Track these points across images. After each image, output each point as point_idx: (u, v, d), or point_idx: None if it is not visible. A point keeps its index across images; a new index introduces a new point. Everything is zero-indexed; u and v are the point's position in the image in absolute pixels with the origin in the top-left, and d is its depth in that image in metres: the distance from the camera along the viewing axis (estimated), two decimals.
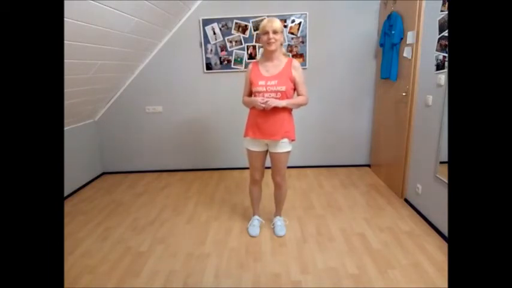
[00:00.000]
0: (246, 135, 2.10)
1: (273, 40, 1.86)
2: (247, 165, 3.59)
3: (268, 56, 1.96)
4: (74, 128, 3.18)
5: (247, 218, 2.48)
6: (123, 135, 3.61)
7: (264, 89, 1.93)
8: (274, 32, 1.85)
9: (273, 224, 2.32)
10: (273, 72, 1.95)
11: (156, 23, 2.84)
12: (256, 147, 2.09)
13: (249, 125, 2.07)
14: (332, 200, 2.78)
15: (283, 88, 1.91)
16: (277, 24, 1.86)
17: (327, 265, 1.91)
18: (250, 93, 2.05)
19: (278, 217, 2.35)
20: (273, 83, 1.92)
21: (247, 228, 2.32)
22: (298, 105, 2.01)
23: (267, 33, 1.86)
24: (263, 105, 1.87)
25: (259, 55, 3.24)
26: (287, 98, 1.95)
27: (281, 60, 1.97)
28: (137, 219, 2.57)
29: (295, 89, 2.01)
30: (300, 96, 2.02)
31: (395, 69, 2.70)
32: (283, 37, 2.01)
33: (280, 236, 2.22)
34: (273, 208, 2.42)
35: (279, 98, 1.92)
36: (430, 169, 2.30)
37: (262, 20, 3.14)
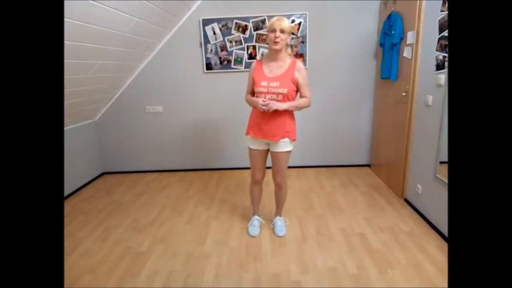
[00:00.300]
0: (247, 133, 2.10)
1: (279, 39, 1.83)
2: (247, 165, 3.59)
3: (272, 55, 1.94)
4: (74, 128, 3.18)
5: (247, 218, 2.48)
6: (123, 135, 3.61)
7: (266, 90, 1.91)
8: (282, 31, 1.82)
9: (273, 224, 2.32)
10: (275, 73, 1.93)
11: (156, 23, 2.84)
12: (257, 146, 2.09)
13: (251, 124, 2.07)
14: (332, 200, 2.78)
15: (284, 90, 1.90)
16: (285, 23, 1.83)
17: (327, 265, 1.91)
18: (254, 92, 2.04)
19: (278, 217, 2.34)
20: (275, 84, 1.90)
21: (247, 228, 2.31)
22: (300, 108, 2.00)
23: (274, 31, 1.82)
24: (264, 108, 1.86)
25: (259, 55, 3.24)
26: (289, 100, 1.93)
27: (285, 61, 1.94)
28: (137, 219, 2.57)
29: (297, 91, 1.99)
30: (302, 99, 2.00)
31: (395, 69, 2.70)
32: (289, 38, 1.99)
33: (280, 236, 2.22)
34: (273, 208, 2.42)
35: (280, 100, 1.91)
36: (430, 169, 2.30)
37: (262, 19, 3.15)
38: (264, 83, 1.92)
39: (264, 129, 1.99)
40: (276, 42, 1.84)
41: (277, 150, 2.05)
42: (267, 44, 1.96)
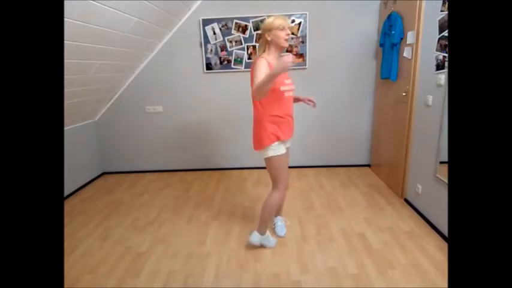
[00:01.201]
0: (273, 140, 1.89)
1: (288, 37, 1.86)
2: (246, 166, 3.62)
3: (278, 53, 1.90)
4: (74, 128, 3.18)
5: (247, 218, 2.49)
6: (123, 135, 3.61)
7: (289, 88, 1.92)
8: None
9: (274, 225, 2.31)
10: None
11: (156, 23, 2.84)
12: (284, 148, 1.96)
13: (277, 129, 1.90)
14: (332, 200, 2.78)
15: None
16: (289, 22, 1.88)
17: (327, 265, 1.91)
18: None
19: (279, 217, 2.34)
20: (290, 81, 1.94)
21: (273, 230, 2.26)
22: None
23: (284, 29, 1.82)
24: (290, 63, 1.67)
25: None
26: None
27: None
28: (137, 219, 2.57)
29: None
30: None
31: (395, 69, 2.70)
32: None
33: (281, 236, 2.22)
34: None
35: (292, 96, 1.97)
36: (430, 169, 2.30)
37: (262, 20, 3.14)
38: (287, 81, 1.92)
39: (291, 126, 1.99)
40: (287, 40, 1.85)
41: (289, 144, 2.07)
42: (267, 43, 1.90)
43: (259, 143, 1.92)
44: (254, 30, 3.20)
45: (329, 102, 3.41)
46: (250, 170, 3.59)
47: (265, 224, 2.07)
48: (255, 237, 2.08)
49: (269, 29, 1.83)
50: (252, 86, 1.86)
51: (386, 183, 3.09)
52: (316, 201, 2.77)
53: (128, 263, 2.00)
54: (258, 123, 1.92)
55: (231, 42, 3.25)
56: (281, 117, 1.91)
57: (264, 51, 1.88)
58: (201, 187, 3.20)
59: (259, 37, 1.95)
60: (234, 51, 3.27)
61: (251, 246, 2.11)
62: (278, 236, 2.23)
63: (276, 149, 1.91)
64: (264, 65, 1.76)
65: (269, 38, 1.83)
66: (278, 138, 1.90)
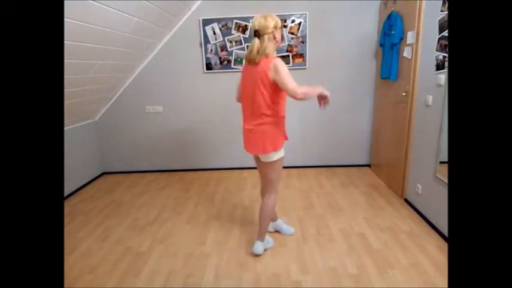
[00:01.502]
0: (282, 143, 1.88)
1: None
2: (246, 166, 3.62)
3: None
4: (74, 128, 3.18)
5: (247, 218, 2.48)
6: (123, 135, 3.61)
7: None
8: None
9: (279, 229, 2.27)
10: None
11: (156, 23, 2.84)
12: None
13: (282, 131, 1.90)
14: (332, 200, 2.78)
15: None
16: None
17: (327, 265, 1.91)
18: (279, 92, 1.85)
19: (278, 220, 2.31)
20: None
21: (266, 245, 2.13)
22: None
23: (281, 28, 1.80)
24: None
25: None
26: None
27: None
28: (137, 219, 2.57)
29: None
30: None
31: (395, 69, 2.70)
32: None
33: (291, 234, 2.23)
34: None
35: None
36: (430, 169, 2.30)
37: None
38: None
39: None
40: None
41: None
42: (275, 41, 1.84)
43: (273, 145, 1.83)
44: None
45: (329, 102, 3.41)
46: (250, 170, 3.59)
47: (265, 230, 2.03)
48: (259, 247, 2.01)
49: (276, 27, 1.81)
50: (267, 86, 1.75)
51: (386, 183, 3.09)
52: (316, 201, 2.77)
53: (128, 263, 2.00)
54: (273, 125, 1.82)
55: (231, 42, 3.25)
56: (284, 117, 1.91)
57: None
58: (201, 187, 3.20)
59: (257, 34, 1.82)
60: (234, 51, 3.27)
61: (251, 246, 2.11)
62: (289, 235, 2.23)
63: (281, 151, 1.89)
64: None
65: (276, 36, 1.81)
66: (286, 138, 1.92)
